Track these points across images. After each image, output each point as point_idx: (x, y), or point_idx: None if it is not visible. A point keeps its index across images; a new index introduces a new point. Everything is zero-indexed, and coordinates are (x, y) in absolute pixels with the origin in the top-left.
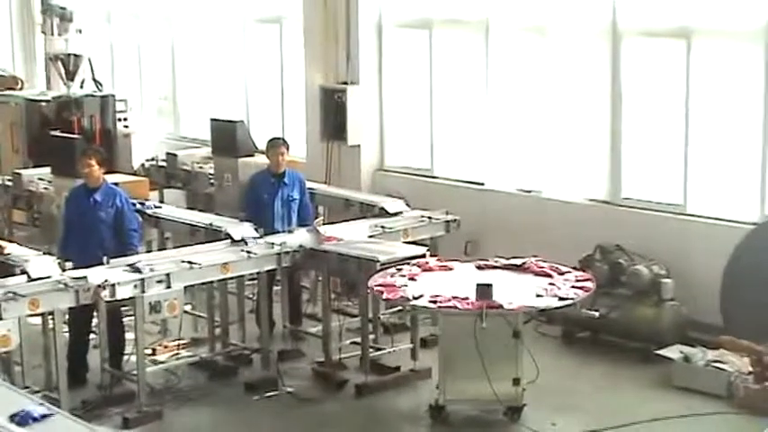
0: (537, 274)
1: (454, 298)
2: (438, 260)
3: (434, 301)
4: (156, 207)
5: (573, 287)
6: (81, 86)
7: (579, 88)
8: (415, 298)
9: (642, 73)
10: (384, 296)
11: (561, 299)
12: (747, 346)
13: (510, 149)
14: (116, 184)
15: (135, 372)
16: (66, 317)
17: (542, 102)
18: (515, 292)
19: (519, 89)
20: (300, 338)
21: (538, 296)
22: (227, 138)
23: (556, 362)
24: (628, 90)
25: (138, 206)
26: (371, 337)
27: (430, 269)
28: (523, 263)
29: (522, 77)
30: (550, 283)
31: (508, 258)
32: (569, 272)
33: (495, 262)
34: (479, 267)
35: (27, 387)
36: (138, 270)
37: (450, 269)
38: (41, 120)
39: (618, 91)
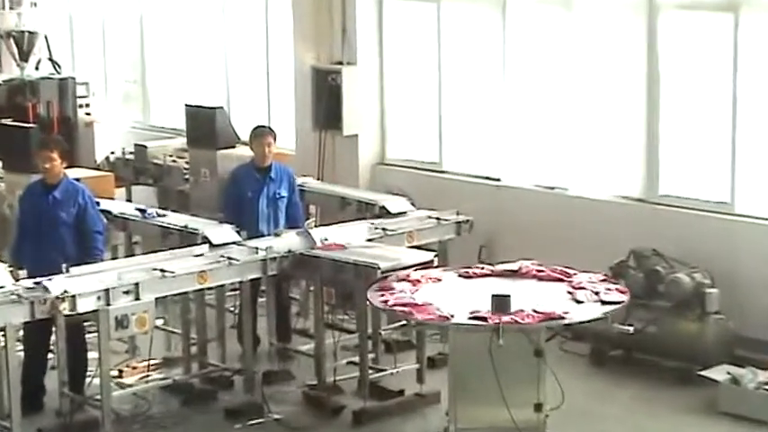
0: (541, 278)
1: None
2: (421, 270)
3: (480, 318)
4: (159, 215)
5: (608, 289)
6: (36, 68)
7: (610, 70)
8: (451, 316)
9: (683, 52)
10: (416, 317)
11: (605, 302)
12: None
13: (530, 140)
14: (77, 179)
15: (99, 396)
16: (21, 333)
17: (567, 85)
18: (541, 301)
19: (540, 71)
20: (289, 358)
21: (578, 302)
22: (204, 127)
23: (583, 384)
24: (666, 72)
25: (138, 213)
26: (371, 356)
27: (417, 281)
28: (519, 267)
29: (545, 58)
30: (578, 287)
31: (495, 264)
32: (576, 273)
33: (482, 269)
34: (466, 276)
35: None
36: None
37: (439, 280)
38: None
39: (655, 73)
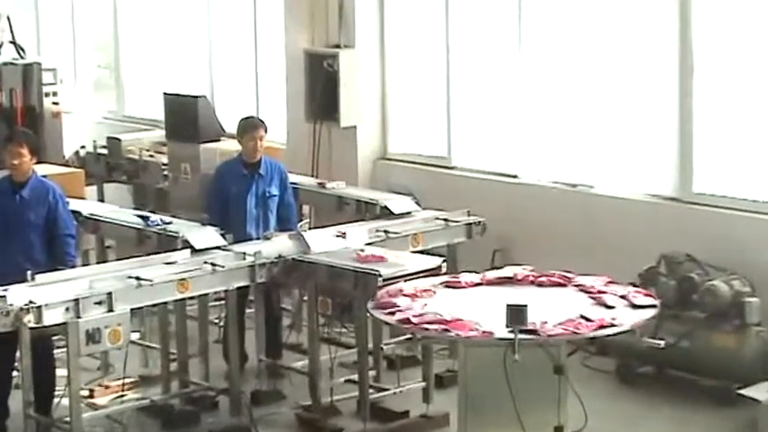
0: (541, 284)
1: (567, 322)
2: (409, 281)
3: (530, 331)
4: (164, 222)
5: (633, 293)
6: None
7: (638, 52)
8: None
9: (719, 33)
10: (459, 335)
11: (637, 306)
12: None
13: (550, 132)
14: (44, 176)
15: (68, 419)
16: None
17: (591, 72)
18: (565, 308)
19: (561, 55)
20: (280, 376)
21: (609, 307)
22: (185, 118)
23: (609, 405)
24: (701, 54)
25: (139, 220)
26: (372, 373)
27: (413, 295)
28: (514, 274)
29: (565, 39)
30: (598, 291)
31: (481, 271)
32: (574, 277)
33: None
34: (455, 286)
35: None
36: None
37: (434, 292)
38: None
39: (688, 57)
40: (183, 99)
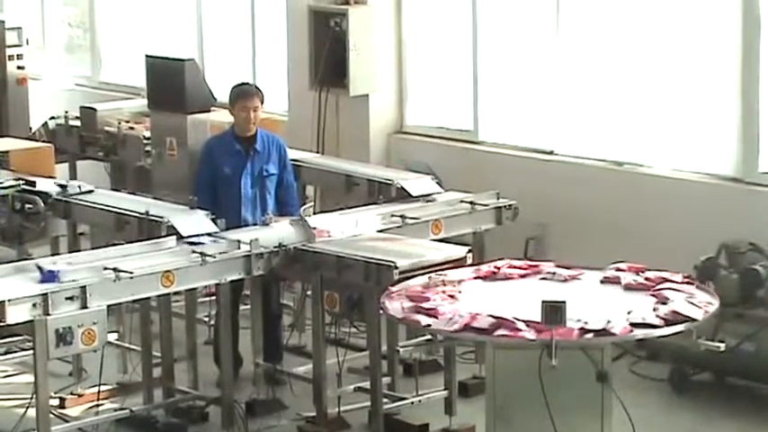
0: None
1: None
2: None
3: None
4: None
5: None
6: None
7: (695, 14)
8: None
9: None
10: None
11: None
12: None
13: (592, 101)
14: (6, 152)
15: (34, 431)
16: None
17: (640, 33)
18: (610, 309)
19: (606, 10)
20: (280, 383)
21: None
22: (170, 84)
23: (661, 417)
24: None
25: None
26: (386, 380)
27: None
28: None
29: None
30: (659, 288)
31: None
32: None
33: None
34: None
35: None
36: None
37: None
38: None
39: (753, 15)
40: (167, 63)
